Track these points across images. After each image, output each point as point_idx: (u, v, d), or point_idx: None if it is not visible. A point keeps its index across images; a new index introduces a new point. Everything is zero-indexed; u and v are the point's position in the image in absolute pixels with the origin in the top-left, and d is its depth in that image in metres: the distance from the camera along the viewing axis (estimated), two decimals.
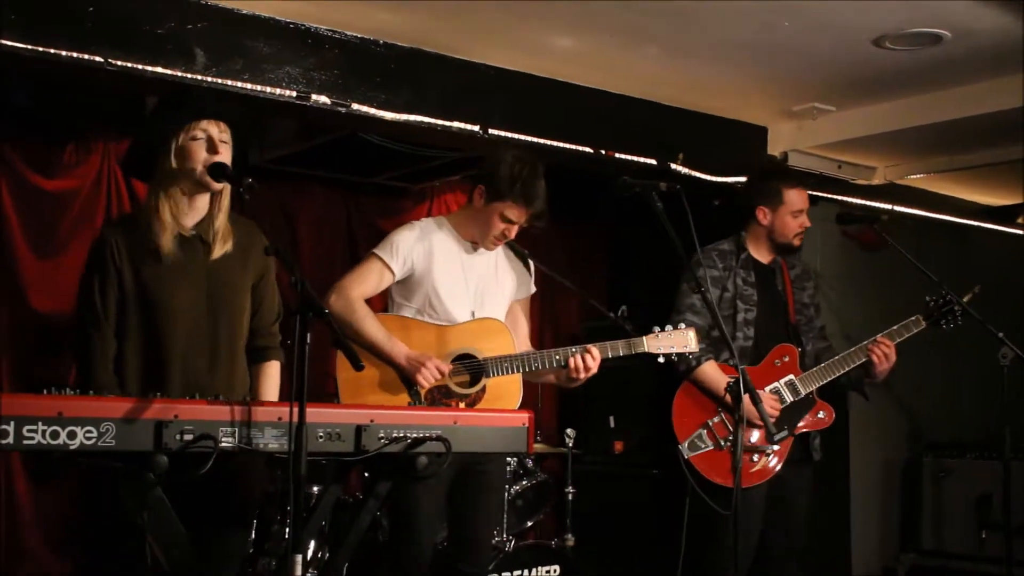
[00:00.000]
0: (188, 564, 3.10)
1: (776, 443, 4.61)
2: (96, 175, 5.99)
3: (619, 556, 6.76)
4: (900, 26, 5.02)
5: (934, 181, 7.56)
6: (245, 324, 3.65)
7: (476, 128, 5.52)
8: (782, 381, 4.68)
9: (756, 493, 4.61)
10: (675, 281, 4.77)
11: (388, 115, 5.30)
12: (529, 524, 6.00)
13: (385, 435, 3.18)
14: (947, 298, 4.77)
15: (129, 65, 4.62)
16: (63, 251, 5.85)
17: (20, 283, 5.76)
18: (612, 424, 7.12)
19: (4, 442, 2.65)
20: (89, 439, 2.74)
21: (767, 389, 4.63)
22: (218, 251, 3.53)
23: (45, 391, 2.76)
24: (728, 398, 4.32)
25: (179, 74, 4.72)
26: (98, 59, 4.54)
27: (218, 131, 3.48)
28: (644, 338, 4.30)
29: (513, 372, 4.16)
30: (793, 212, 4.79)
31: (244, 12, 4.93)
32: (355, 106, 5.20)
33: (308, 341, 2.91)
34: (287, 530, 4.95)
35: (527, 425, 3.48)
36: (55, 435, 2.70)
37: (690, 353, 4.40)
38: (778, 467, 4.64)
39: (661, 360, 4.33)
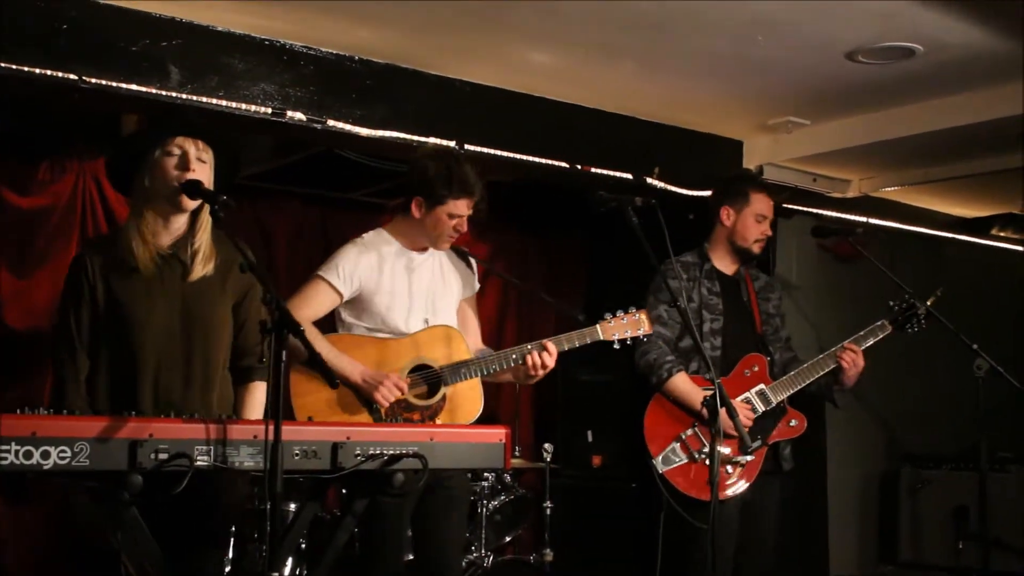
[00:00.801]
0: None
1: (750, 454, 4.61)
2: (71, 192, 5.95)
3: (598, 570, 6.75)
4: (873, 40, 5.05)
5: (908, 193, 7.60)
6: (224, 344, 3.62)
7: (452, 144, 5.52)
8: (753, 391, 4.69)
9: (731, 505, 4.61)
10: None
11: (364, 131, 5.30)
12: (508, 539, 5.99)
13: (361, 452, 3.17)
14: (910, 302, 4.80)
15: (104, 83, 4.60)
16: (38, 268, 5.81)
17: None
18: (590, 438, 7.11)
19: None
20: (63, 459, 2.73)
21: (738, 399, 4.63)
22: (197, 272, 3.51)
23: (18, 410, 2.74)
24: (705, 412, 4.31)
25: (154, 91, 4.71)
26: (72, 77, 4.53)
27: (195, 149, 3.46)
28: (597, 326, 4.29)
29: (471, 377, 4.14)
30: (756, 215, 4.80)
31: (219, 29, 4.92)
32: (331, 122, 5.19)
33: (284, 359, 2.90)
34: (264, 548, 4.93)
35: (504, 441, 3.47)
36: (28, 455, 2.68)
37: (644, 336, 4.38)
38: (753, 478, 4.64)
39: (617, 346, 4.33)
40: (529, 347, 4.17)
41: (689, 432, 4.63)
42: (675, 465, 4.58)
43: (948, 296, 4.91)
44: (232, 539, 5.18)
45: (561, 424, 7.34)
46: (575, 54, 5.36)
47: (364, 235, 4.30)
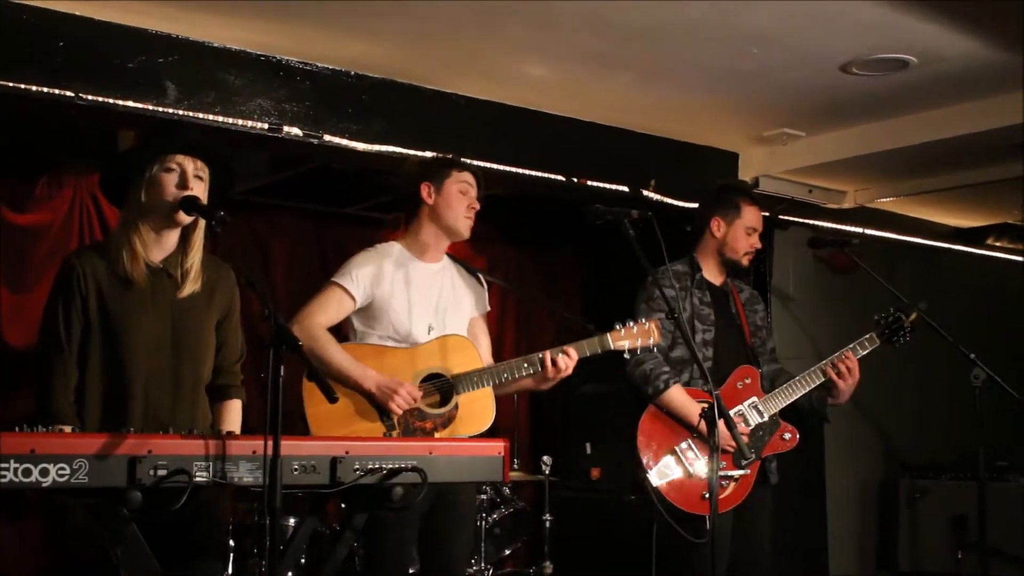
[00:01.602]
0: None
1: (745, 468, 4.60)
2: (68, 209, 5.97)
3: None
4: (867, 52, 5.07)
5: (904, 204, 7.62)
6: (209, 361, 3.62)
7: (448, 157, 5.52)
8: (746, 403, 4.66)
9: (724, 520, 4.58)
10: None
11: (360, 146, 5.31)
12: (507, 552, 5.99)
13: (360, 466, 3.17)
14: (895, 315, 4.79)
15: (100, 99, 4.62)
16: (36, 285, 5.82)
17: None
18: (589, 450, 7.11)
19: None
20: (62, 476, 2.72)
21: (733, 412, 4.58)
22: (187, 289, 3.51)
23: (17, 428, 2.74)
24: (703, 424, 4.28)
25: (151, 108, 4.73)
26: (69, 94, 4.54)
27: (193, 167, 3.46)
28: (608, 335, 4.29)
29: (483, 386, 4.15)
30: (747, 228, 4.78)
31: (215, 45, 4.94)
32: (327, 137, 5.21)
33: (282, 374, 2.91)
34: (264, 563, 4.93)
35: (503, 454, 3.47)
36: (27, 472, 2.68)
37: (654, 346, 4.38)
38: (748, 492, 4.61)
39: (627, 356, 4.33)
40: (542, 353, 4.18)
41: (684, 445, 4.59)
42: (670, 479, 4.55)
43: (945, 306, 4.93)
44: (231, 554, 5.18)
45: (560, 436, 7.34)
46: (571, 67, 5.38)
47: (377, 245, 4.31)
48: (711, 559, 3.94)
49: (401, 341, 4.14)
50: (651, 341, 4.34)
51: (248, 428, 3.69)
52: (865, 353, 4.77)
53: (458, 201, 4.23)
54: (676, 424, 4.60)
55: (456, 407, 4.11)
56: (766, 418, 4.66)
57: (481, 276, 4.50)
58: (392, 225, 7.27)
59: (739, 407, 4.63)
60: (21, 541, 5.71)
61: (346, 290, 4.13)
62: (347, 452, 3.15)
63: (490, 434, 4.09)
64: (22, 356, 5.74)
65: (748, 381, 4.69)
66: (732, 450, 4.47)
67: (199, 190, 3.46)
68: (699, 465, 4.57)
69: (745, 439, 4.54)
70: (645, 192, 6.34)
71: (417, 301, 4.19)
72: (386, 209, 7.13)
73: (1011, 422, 5.99)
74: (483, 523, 5.69)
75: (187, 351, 3.53)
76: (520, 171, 5.87)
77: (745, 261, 4.82)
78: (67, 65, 4.56)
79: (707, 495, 4.48)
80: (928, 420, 7.81)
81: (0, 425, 2.71)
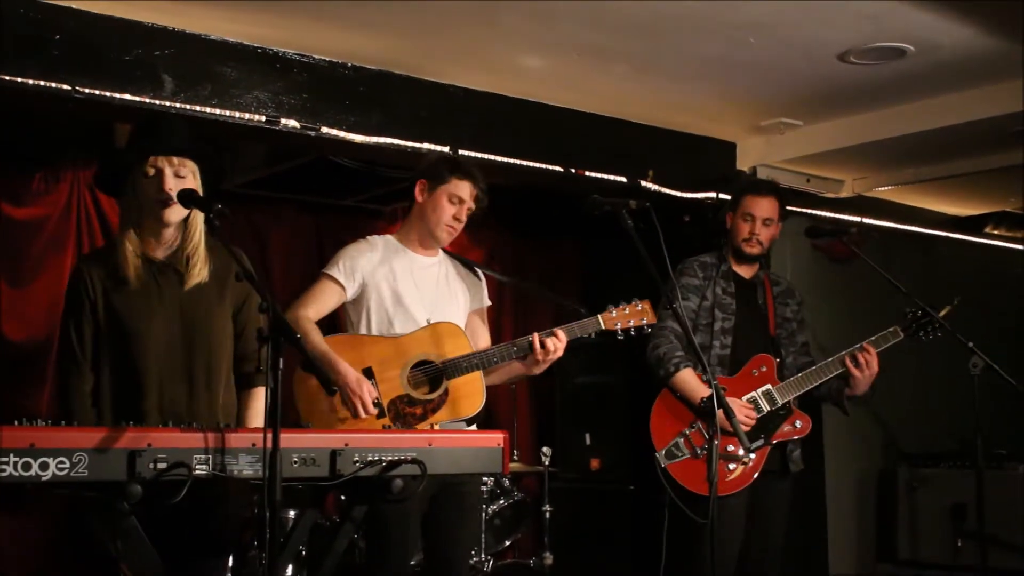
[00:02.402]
0: None
1: (752, 452, 4.63)
2: (66, 203, 5.96)
3: (597, 573, 6.76)
4: (864, 41, 5.06)
5: (902, 193, 7.62)
6: (226, 351, 3.62)
7: (446, 149, 5.53)
8: (759, 390, 4.71)
9: (736, 501, 4.62)
10: (646, 296, 4.79)
11: (358, 138, 5.31)
12: (507, 543, 6.00)
13: (360, 459, 3.17)
14: (926, 311, 4.82)
15: (97, 92, 4.61)
16: (34, 279, 5.82)
17: None
18: (588, 441, 7.12)
19: None
20: (62, 470, 2.72)
21: (744, 398, 4.66)
22: (193, 279, 3.52)
23: (16, 422, 2.74)
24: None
25: (147, 101, 4.72)
26: (66, 87, 4.54)
27: (170, 166, 3.43)
28: (599, 316, 4.29)
29: (472, 371, 4.15)
30: (744, 215, 4.84)
31: (212, 37, 4.93)
32: (324, 129, 5.21)
33: (281, 366, 2.91)
34: (264, 555, 4.93)
35: (502, 446, 3.47)
36: (27, 466, 2.68)
37: (648, 326, 4.40)
38: (755, 475, 4.66)
39: (620, 337, 4.33)
40: (532, 336, 4.19)
41: (692, 428, 4.67)
42: (678, 460, 4.63)
43: (943, 294, 4.92)
44: (226, 546, 5.19)
45: (559, 427, 7.35)
46: (568, 58, 5.38)
47: (369, 237, 4.32)
48: (710, 540, 3.97)
49: (393, 332, 4.15)
50: (645, 322, 4.35)
51: None
52: (887, 346, 4.81)
53: (443, 210, 4.22)
54: (686, 407, 4.67)
55: (446, 392, 4.11)
56: (779, 405, 4.71)
57: (479, 270, 4.50)
58: (391, 217, 7.28)
59: (752, 393, 4.70)
60: (20, 537, 5.72)
61: (336, 280, 4.14)
62: (346, 444, 3.15)
63: (489, 425, 4.09)
64: (20, 350, 5.75)
65: (764, 369, 4.75)
66: (748, 427, 4.54)
67: (187, 185, 3.45)
68: (706, 448, 4.62)
69: (752, 424, 4.59)
70: (643, 182, 6.34)
71: (410, 293, 4.19)
72: (384, 201, 7.13)
73: (1009, 410, 5.99)
74: (483, 514, 5.70)
75: (199, 344, 3.54)
76: (518, 162, 5.87)
77: (746, 248, 4.85)
78: (64, 58, 4.55)
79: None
80: (926, 409, 7.81)
81: (1, 418, 2.71)
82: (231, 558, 5.08)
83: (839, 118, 6.33)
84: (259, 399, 3.72)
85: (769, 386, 4.73)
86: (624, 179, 6.28)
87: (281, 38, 5.05)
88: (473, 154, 5.60)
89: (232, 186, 6.44)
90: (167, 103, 4.77)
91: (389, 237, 4.33)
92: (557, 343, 4.18)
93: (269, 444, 2.86)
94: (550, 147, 6.02)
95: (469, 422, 4.18)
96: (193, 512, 3.05)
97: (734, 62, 5.36)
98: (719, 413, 3.97)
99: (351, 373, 3.96)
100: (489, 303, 4.50)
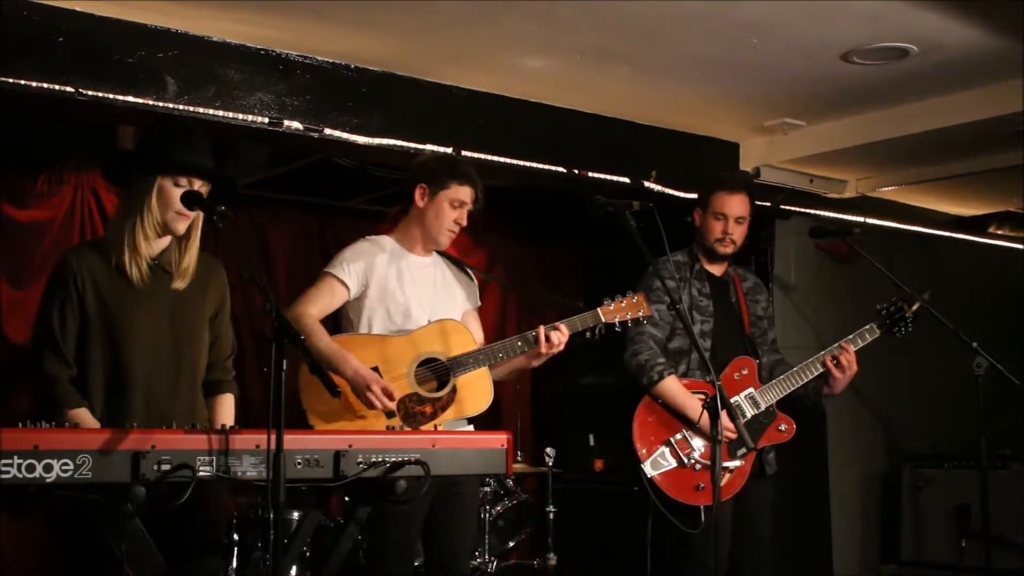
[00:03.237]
0: None
1: (739, 458, 4.60)
2: (69, 205, 5.96)
3: (601, 574, 6.76)
4: (867, 41, 5.06)
5: (905, 193, 7.61)
6: (205, 355, 3.67)
7: (449, 150, 5.53)
8: (742, 394, 4.68)
9: (723, 510, 4.58)
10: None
11: (361, 139, 5.31)
12: (511, 544, 6.00)
13: (364, 460, 3.18)
14: (897, 304, 4.80)
15: (100, 95, 4.61)
16: (37, 281, 5.80)
17: None
18: (592, 442, 7.12)
19: None
20: (66, 472, 2.73)
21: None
22: (182, 281, 3.55)
23: (20, 424, 2.74)
24: (705, 416, 4.28)
25: (151, 103, 4.72)
26: (69, 89, 4.53)
27: (200, 184, 3.53)
28: (598, 310, 4.32)
29: (478, 367, 4.16)
30: (715, 213, 4.80)
31: (215, 39, 4.93)
32: (328, 131, 5.20)
33: (284, 368, 2.91)
34: (268, 557, 4.93)
35: (505, 446, 3.48)
36: (31, 468, 2.69)
37: (644, 318, 4.39)
38: (744, 482, 4.62)
39: (618, 329, 4.36)
40: (535, 329, 4.20)
41: (679, 436, 4.61)
42: (664, 470, 4.57)
43: (946, 294, 4.92)
44: (235, 548, 5.19)
45: (563, 428, 7.35)
46: (570, 59, 5.37)
47: (369, 237, 4.34)
48: (714, 549, 3.95)
49: (394, 331, 4.15)
50: (641, 313, 4.37)
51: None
52: (864, 344, 4.78)
53: (445, 215, 4.24)
54: (670, 416, 4.61)
55: (454, 390, 4.13)
56: (762, 409, 4.67)
57: (471, 271, 4.52)
58: (394, 218, 7.28)
59: (735, 398, 4.65)
60: (22, 540, 5.71)
61: (339, 279, 4.16)
62: (350, 446, 3.16)
63: (493, 426, 4.10)
64: (22, 352, 5.74)
65: (745, 372, 4.70)
66: (728, 440, 4.49)
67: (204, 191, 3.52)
68: (694, 456, 4.58)
69: (734, 434, 4.55)
70: (646, 183, 6.33)
71: (411, 292, 4.21)
72: (387, 202, 7.11)
73: (1013, 410, 5.99)
74: (487, 515, 5.70)
75: (185, 343, 3.57)
76: (521, 163, 5.86)
77: (719, 249, 4.81)
78: (67, 61, 4.55)
79: (701, 486, 4.52)
80: (930, 409, 7.80)
81: (2, 421, 2.71)
82: (235, 559, 5.09)
83: (842, 118, 6.32)
84: (226, 406, 3.77)
85: (752, 390, 4.69)
86: (627, 180, 6.27)
87: (284, 40, 5.05)
88: (475, 155, 5.60)
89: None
90: (170, 105, 4.77)
91: (385, 238, 4.36)
92: (560, 336, 4.21)
93: (273, 445, 2.86)
94: (552, 148, 6.01)
95: (469, 420, 4.19)
96: (195, 512, 3.05)
97: (737, 62, 5.36)
98: (722, 414, 3.95)
99: (362, 368, 3.97)
100: (480, 303, 4.52)
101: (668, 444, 4.60)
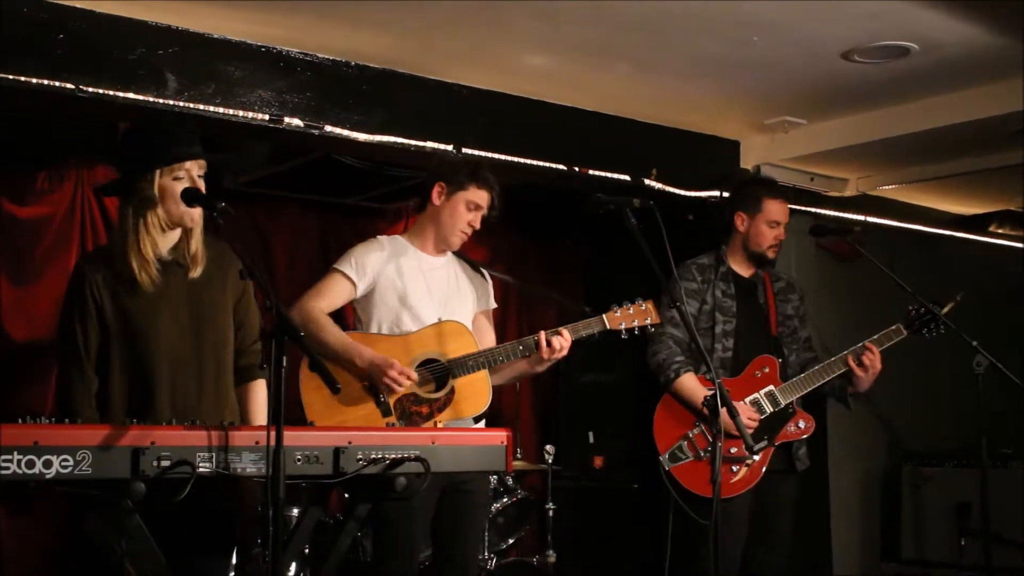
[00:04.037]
0: None
1: (756, 454, 4.62)
2: (70, 202, 5.96)
3: (601, 572, 6.76)
4: (868, 39, 5.06)
5: (906, 191, 7.61)
6: (231, 343, 3.65)
7: (450, 147, 5.53)
8: (762, 392, 4.71)
9: (739, 504, 4.62)
10: (650, 296, 4.78)
11: (362, 136, 5.31)
12: (510, 542, 5.99)
13: (363, 457, 3.17)
14: (929, 307, 4.81)
15: (100, 92, 4.62)
16: (38, 278, 5.81)
17: None
18: (591, 440, 7.12)
19: None
20: (65, 467, 2.72)
21: (747, 400, 4.66)
22: (196, 271, 3.54)
23: (20, 420, 2.74)
24: (705, 411, 4.30)
25: (151, 100, 4.72)
26: (70, 86, 4.54)
27: (198, 168, 3.50)
28: (604, 316, 4.31)
29: (478, 370, 4.16)
30: (769, 221, 4.83)
31: (215, 36, 4.93)
32: (328, 128, 5.20)
33: (284, 364, 2.91)
34: (268, 553, 4.93)
35: (505, 443, 3.48)
36: (31, 464, 2.68)
37: (652, 326, 4.39)
38: (759, 476, 4.65)
39: (624, 336, 4.34)
40: (538, 335, 4.19)
41: (695, 431, 4.68)
42: (681, 463, 4.65)
43: (947, 293, 4.92)
44: (236, 545, 5.19)
45: (563, 425, 7.35)
46: (571, 57, 5.37)
47: (379, 236, 4.35)
48: (713, 542, 3.96)
49: (405, 331, 4.15)
50: (649, 321, 4.35)
51: None
52: (889, 344, 4.81)
53: (460, 216, 4.24)
54: (687, 411, 4.67)
55: (452, 391, 4.13)
56: (781, 406, 4.70)
57: (485, 271, 4.51)
58: (393, 216, 7.28)
59: (755, 395, 4.70)
60: (23, 540, 5.71)
61: (347, 276, 4.16)
62: (350, 442, 3.16)
63: (493, 423, 4.10)
64: (23, 349, 5.74)
65: (767, 370, 4.74)
66: (752, 428, 4.54)
67: (201, 184, 3.49)
68: (709, 450, 4.62)
69: (755, 426, 4.58)
70: (647, 181, 6.33)
71: (421, 293, 4.20)
72: (388, 200, 7.12)
73: (1014, 409, 5.97)
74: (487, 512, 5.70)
75: (208, 334, 3.56)
76: (522, 160, 5.86)
77: (771, 253, 4.88)
78: (67, 57, 4.55)
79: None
80: (931, 408, 7.80)
81: (2, 417, 2.71)
82: (235, 555, 5.09)
83: (843, 116, 6.32)
84: (260, 392, 3.75)
85: (772, 387, 4.73)
86: (628, 178, 6.27)
87: (285, 37, 5.05)
88: (477, 152, 5.60)
89: (235, 185, 6.44)
90: (171, 102, 4.77)
91: (398, 237, 4.34)
92: (563, 342, 4.20)
93: (272, 442, 2.86)
94: (553, 145, 6.01)
95: (476, 420, 4.19)
96: (198, 510, 3.05)
97: (738, 61, 5.36)
98: (723, 412, 3.96)
99: (376, 356, 3.98)
100: (495, 306, 4.51)
101: (686, 438, 4.68)
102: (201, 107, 4.85)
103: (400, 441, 3.26)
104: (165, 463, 2.86)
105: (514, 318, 7.59)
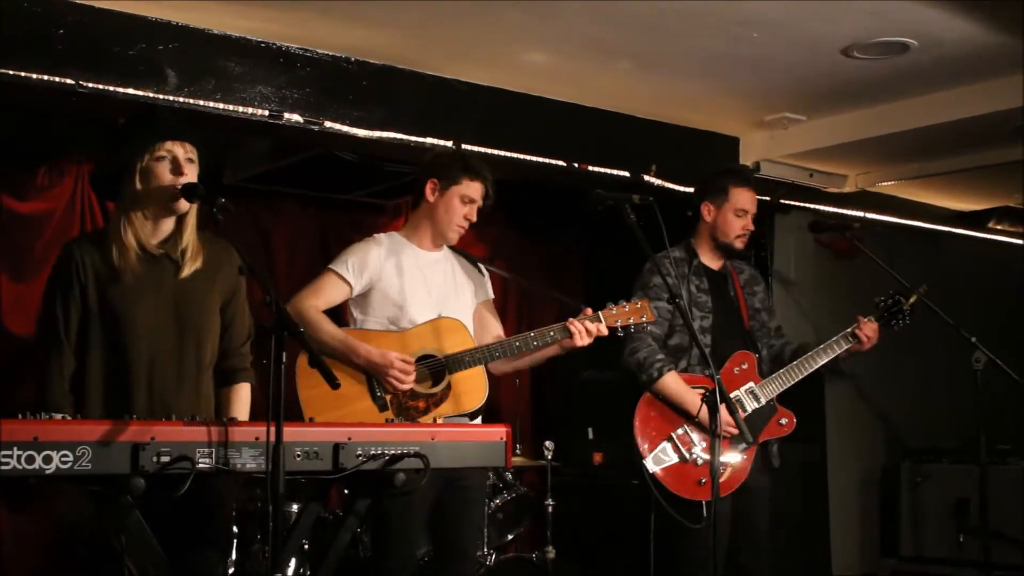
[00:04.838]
0: None
1: (742, 453, 4.61)
2: (70, 197, 5.97)
3: (600, 568, 6.76)
4: (868, 36, 5.06)
5: (905, 188, 7.61)
6: (213, 344, 3.61)
7: (450, 143, 5.53)
8: (743, 389, 4.67)
9: (722, 504, 4.58)
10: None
11: (361, 132, 5.31)
12: (510, 537, 5.99)
13: (363, 452, 3.18)
14: (895, 298, 4.80)
15: (100, 87, 4.62)
16: (38, 273, 5.82)
17: None
18: (591, 435, 7.12)
19: None
20: (65, 463, 2.72)
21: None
22: (187, 269, 3.51)
23: (20, 415, 2.74)
24: (704, 410, 4.27)
25: (151, 95, 4.72)
26: (69, 82, 4.54)
27: (183, 151, 3.45)
28: (600, 314, 4.30)
29: (474, 366, 4.17)
30: (736, 210, 4.76)
31: (215, 32, 4.93)
32: (328, 124, 5.20)
33: (284, 360, 2.91)
34: (267, 549, 4.94)
35: (505, 439, 3.48)
36: (30, 460, 2.68)
37: (647, 323, 4.37)
38: (746, 476, 4.62)
39: (620, 334, 4.34)
40: (534, 333, 4.20)
41: (680, 432, 4.60)
42: (666, 465, 4.56)
43: (946, 289, 4.92)
44: (235, 540, 5.19)
45: (562, 422, 7.35)
46: (571, 53, 5.37)
47: (376, 235, 4.34)
48: (712, 543, 3.95)
49: (402, 327, 4.16)
50: (644, 318, 4.34)
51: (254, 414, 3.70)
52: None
53: (455, 210, 4.24)
54: (671, 411, 4.61)
55: (448, 386, 4.13)
56: (763, 403, 4.67)
57: (481, 265, 4.51)
58: (393, 212, 7.28)
59: (736, 392, 4.64)
60: (23, 539, 5.72)
61: (341, 276, 4.16)
62: (349, 438, 3.16)
63: (492, 419, 4.11)
64: (23, 344, 5.75)
65: (745, 367, 4.70)
66: (729, 435, 4.49)
67: (192, 173, 3.45)
68: (695, 451, 4.59)
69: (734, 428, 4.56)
70: (646, 177, 6.34)
71: (417, 289, 4.21)
72: (387, 196, 7.13)
73: (1012, 405, 5.99)
74: (486, 508, 5.70)
75: (190, 333, 3.52)
76: (521, 156, 5.86)
77: (738, 244, 4.80)
78: (67, 53, 4.55)
79: (703, 481, 4.51)
80: (930, 405, 7.81)
81: (2, 413, 2.71)
82: (234, 551, 5.10)
83: (842, 113, 6.32)
84: (242, 396, 3.71)
85: (752, 384, 4.69)
86: (627, 174, 6.28)
87: (285, 33, 5.05)
88: (476, 149, 5.60)
89: (235, 180, 6.44)
90: (171, 97, 4.77)
91: (395, 234, 4.35)
92: (601, 328, 4.23)
93: (272, 438, 2.86)
94: (553, 142, 6.01)
95: (473, 416, 4.19)
96: (195, 504, 3.05)
97: (737, 57, 5.36)
98: (722, 408, 3.95)
99: (374, 351, 3.98)
100: (493, 295, 4.52)
101: (670, 439, 4.60)
102: (201, 103, 4.85)
103: (400, 437, 3.26)
104: (165, 459, 2.85)
105: (513, 318, 7.60)
